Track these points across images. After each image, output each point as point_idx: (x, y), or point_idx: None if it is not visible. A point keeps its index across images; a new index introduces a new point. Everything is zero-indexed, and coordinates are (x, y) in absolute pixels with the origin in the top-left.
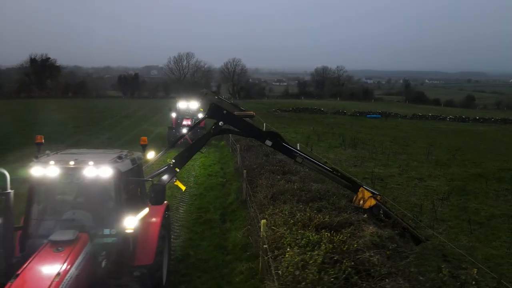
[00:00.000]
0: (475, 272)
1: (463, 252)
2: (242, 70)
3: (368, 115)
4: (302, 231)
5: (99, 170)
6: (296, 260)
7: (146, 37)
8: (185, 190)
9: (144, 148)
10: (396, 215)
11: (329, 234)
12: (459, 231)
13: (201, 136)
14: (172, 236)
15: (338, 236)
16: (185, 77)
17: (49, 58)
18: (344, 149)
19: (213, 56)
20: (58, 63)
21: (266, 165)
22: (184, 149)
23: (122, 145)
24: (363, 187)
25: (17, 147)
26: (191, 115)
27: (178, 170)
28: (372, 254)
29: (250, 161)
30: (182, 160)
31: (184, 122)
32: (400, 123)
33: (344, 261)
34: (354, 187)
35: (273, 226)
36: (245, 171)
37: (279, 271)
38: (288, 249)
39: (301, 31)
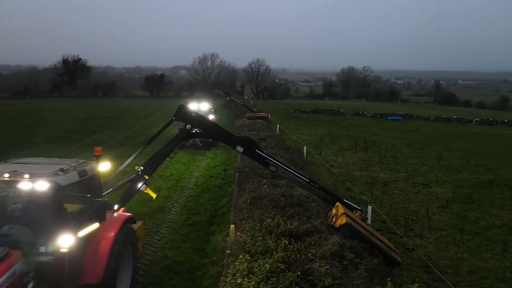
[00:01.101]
0: (416, 287)
1: (448, 264)
2: (266, 70)
3: (388, 117)
4: (261, 238)
5: (35, 184)
6: (243, 267)
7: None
8: (184, 191)
9: (98, 160)
10: (371, 235)
11: (287, 242)
12: (451, 241)
13: (170, 140)
14: (157, 237)
15: (295, 245)
16: (210, 77)
17: (80, 59)
18: (354, 152)
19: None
20: (92, 63)
21: (257, 169)
22: (153, 155)
23: (136, 145)
24: (343, 202)
25: (31, 146)
26: None
27: (147, 177)
28: (323, 264)
29: (244, 163)
30: (151, 166)
31: None
32: (421, 126)
33: (288, 271)
34: (334, 201)
35: (240, 231)
36: (236, 174)
37: (226, 278)
38: (240, 256)
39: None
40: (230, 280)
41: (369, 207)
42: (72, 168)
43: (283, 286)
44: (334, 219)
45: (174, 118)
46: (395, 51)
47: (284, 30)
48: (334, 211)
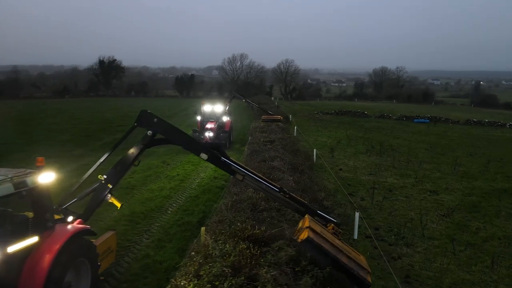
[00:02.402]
0: None
1: (430, 275)
2: (295, 71)
3: (415, 120)
4: (221, 242)
5: None
6: (193, 270)
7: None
8: (186, 191)
9: (40, 170)
10: (338, 252)
11: (245, 246)
12: (441, 251)
13: (131, 149)
14: (145, 236)
15: (252, 250)
16: (238, 77)
17: (115, 59)
18: (368, 156)
19: (271, 58)
20: (129, 63)
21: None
22: (116, 162)
23: None
24: (316, 213)
25: (56, 144)
26: (216, 118)
27: (111, 186)
28: (270, 270)
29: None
30: (115, 175)
31: (208, 126)
32: (449, 129)
33: (234, 276)
34: (307, 212)
35: (209, 234)
36: (231, 176)
37: (175, 281)
38: (194, 259)
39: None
40: (178, 283)
41: (356, 214)
42: (7, 179)
43: None
44: (298, 233)
45: (135, 124)
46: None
47: (318, 30)
48: (300, 224)
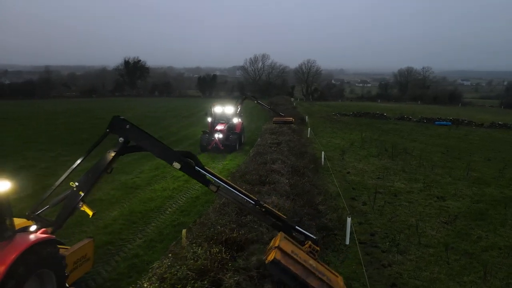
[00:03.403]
0: None
1: (418, 284)
2: (317, 71)
3: (436, 122)
4: (194, 245)
5: None
6: (160, 272)
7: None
8: (188, 192)
9: None
10: (310, 275)
11: (217, 250)
12: (435, 259)
13: (104, 154)
14: (139, 236)
15: (222, 253)
16: (260, 78)
17: (139, 60)
18: (380, 159)
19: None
20: (155, 63)
21: (249, 174)
22: (88, 170)
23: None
24: (294, 229)
25: (74, 143)
26: (226, 119)
27: (82, 193)
28: (234, 275)
29: (242, 168)
30: (86, 182)
31: (218, 127)
32: (471, 132)
33: (197, 279)
34: (285, 228)
35: (191, 236)
36: (229, 178)
37: (140, 282)
38: (164, 261)
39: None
40: (145, 284)
41: (348, 219)
42: None
43: None
44: (268, 253)
45: (108, 130)
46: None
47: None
48: (272, 242)
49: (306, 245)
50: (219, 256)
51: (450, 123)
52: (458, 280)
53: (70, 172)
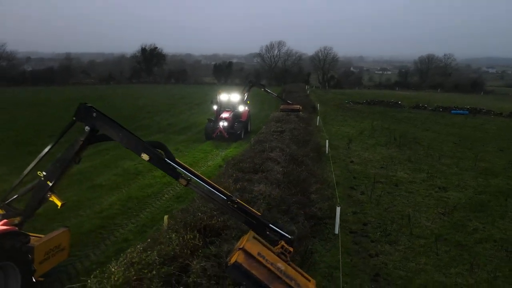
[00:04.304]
0: None
1: (402, 275)
2: (334, 58)
3: (452, 111)
4: (171, 231)
5: None
6: (130, 257)
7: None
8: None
9: None
10: (275, 279)
11: (191, 236)
12: (424, 250)
13: (71, 143)
14: (132, 221)
15: (196, 240)
16: (276, 65)
17: (156, 47)
18: (387, 148)
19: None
20: (173, 51)
21: (244, 162)
22: (56, 159)
23: (174, 132)
24: (268, 227)
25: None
26: (232, 107)
27: (50, 183)
28: (202, 261)
29: (241, 156)
30: (54, 172)
31: (223, 115)
32: (488, 122)
33: (163, 265)
34: (258, 226)
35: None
36: (224, 165)
37: (110, 266)
38: (138, 246)
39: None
40: (115, 270)
41: (337, 208)
42: None
43: (150, 278)
44: (231, 254)
45: (74, 118)
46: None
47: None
48: (239, 242)
49: (278, 246)
50: (191, 243)
51: (467, 112)
52: (445, 272)
53: (39, 160)
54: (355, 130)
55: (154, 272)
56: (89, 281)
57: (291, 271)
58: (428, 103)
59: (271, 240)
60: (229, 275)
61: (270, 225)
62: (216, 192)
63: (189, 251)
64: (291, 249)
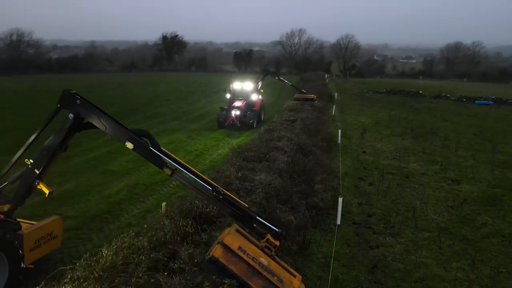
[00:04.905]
0: None
1: (401, 267)
2: (355, 46)
3: (476, 101)
4: (166, 217)
5: None
6: (121, 241)
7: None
8: (197, 166)
9: None
10: (255, 275)
11: (183, 223)
12: (427, 244)
13: (57, 131)
14: (138, 207)
15: (187, 227)
16: (296, 53)
17: (177, 35)
18: (402, 139)
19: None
20: (195, 39)
21: (249, 151)
22: (42, 147)
23: (189, 120)
24: (255, 220)
25: None
26: (245, 96)
27: (37, 171)
28: (187, 248)
29: (247, 144)
30: (41, 160)
31: (235, 104)
32: None
33: (151, 251)
34: (244, 218)
35: (166, 209)
36: (230, 153)
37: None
38: (131, 231)
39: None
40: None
41: (340, 199)
42: None
43: (137, 262)
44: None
45: (58, 105)
46: None
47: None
48: (220, 236)
49: (264, 239)
50: (183, 230)
51: (492, 102)
52: (446, 266)
53: (27, 148)
54: (372, 120)
55: (141, 257)
56: (77, 264)
57: (274, 266)
58: (451, 92)
59: (259, 233)
60: (204, 270)
61: (257, 217)
62: (202, 183)
63: (178, 238)
64: (277, 243)
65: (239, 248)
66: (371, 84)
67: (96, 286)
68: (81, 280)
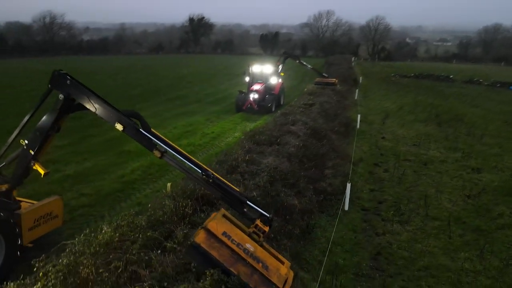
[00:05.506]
0: None
1: (406, 255)
2: (386, 28)
3: (511, 87)
4: (169, 198)
5: None
6: (122, 219)
7: None
8: (211, 148)
9: None
10: (239, 262)
11: (183, 204)
12: (436, 233)
13: (48, 112)
14: (148, 188)
15: (188, 208)
16: (323, 35)
17: (203, 17)
18: (425, 125)
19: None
20: (222, 21)
21: (261, 134)
22: (35, 127)
23: (211, 102)
24: (245, 204)
25: (123, 99)
26: (264, 79)
27: (32, 152)
28: (183, 228)
29: (260, 128)
30: (35, 141)
31: (254, 87)
32: None
33: (147, 229)
34: (235, 203)
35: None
36: (242, 136)
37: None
38: (131, 209)
39: None
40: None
41: (348, 185)
42: None
43: (133, 240)
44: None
45: (49, 85)
46: None
47: None
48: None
49: (253, 225)
50: (181, 210)
51: None
52: (453, 256)
53: (22, 129)
54: (396, 105)
55: (137, 235)
56: (76, 238)
57: (261, 252)
58: (485, 77)
59: (249, 218)
60: (185, 257)
61: (248, 202)
62: (192, 166)
63: (176, 218)
64: (266, 229)
65: (224, 233)
66: (400, 68)
67: (91, 260)
68: (78, 254)
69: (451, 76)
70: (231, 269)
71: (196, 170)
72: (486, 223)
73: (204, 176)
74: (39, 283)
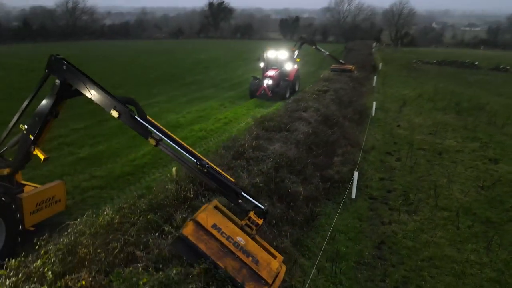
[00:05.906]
0: None
1: (410, 245)
2: (410, 13)
3: None
4: (173, 183)
5: None
6: (125, 202)
7: None
8: (223, 134)
9: None
10: (227, 255)
11: (185, 189)
12: (444, 223)
13: (45, 98)
14: (160, 171)
15: (190, 192)
16: (345, 20)
17: (223, 1)
18: (444, 114)
19: None
20: (242, 5)
21: (271, 121)
22: (34, 112)
23: (226, 88)
24: (240, 196)
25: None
26: (279, 65)
27: (32, 137)
28: (183, 212)
29: (271, 114)
30: (34, 126)
31: (268, 73)
32: None
33: (147, 213)
34: (229, 193)
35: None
36: (252, 122)
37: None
38: (134, 193)
39: None
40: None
41: (355, 173)
42: None
43: (133, 222)
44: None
45: (46, 70)
46: None
47: None
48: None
49: (246, 217)
50: (182, 194)
51: None
52: (459, 247)
53: (21, 114)
54: (415, 92)
55: (137, 217)
56: (78, 219)
57: (252, 246)
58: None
59: (244, 210)
60: (171, 249)
61: (243, 193)
62: (187, 154)
63: (176, 202)
64: (260, 222)
65: (214, 225)
66: (423, 54)
67: (90, 240)
68: (78, 234)
69: (476, 63)
70: (219, 262)
71: (191, 159)
72: (498, 215)
73: (198, 166)
74: (39, 260)
